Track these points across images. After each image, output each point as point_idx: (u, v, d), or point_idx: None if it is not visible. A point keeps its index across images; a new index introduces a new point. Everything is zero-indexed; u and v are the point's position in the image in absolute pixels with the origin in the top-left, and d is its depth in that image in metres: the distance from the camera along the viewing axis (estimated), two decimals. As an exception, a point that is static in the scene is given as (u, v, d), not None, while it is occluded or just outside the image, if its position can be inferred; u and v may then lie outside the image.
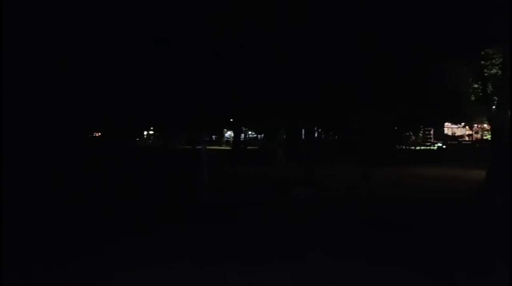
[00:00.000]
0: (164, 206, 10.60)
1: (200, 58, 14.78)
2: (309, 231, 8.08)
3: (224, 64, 15.22)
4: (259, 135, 50.65)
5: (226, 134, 60.33)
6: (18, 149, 11.89)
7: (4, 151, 11.08)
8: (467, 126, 43.26)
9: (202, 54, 14.61)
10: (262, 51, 14.82)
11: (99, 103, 16.31)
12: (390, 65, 14.15)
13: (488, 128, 24.16)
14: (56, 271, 5.73)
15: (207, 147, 12.85)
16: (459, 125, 45.07)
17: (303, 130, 31.51)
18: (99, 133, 30.53)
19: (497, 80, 13.39)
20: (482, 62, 13.45)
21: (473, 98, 14.84)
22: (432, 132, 41.22)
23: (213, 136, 57.71)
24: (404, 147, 32.65)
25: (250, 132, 56.28)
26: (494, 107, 13.55)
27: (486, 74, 13.65)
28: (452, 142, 40.22)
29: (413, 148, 34.30)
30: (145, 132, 56.74)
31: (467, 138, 44.56)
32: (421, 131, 38.72)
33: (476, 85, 14.16)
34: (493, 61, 13.54)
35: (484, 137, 36.10)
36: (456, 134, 49.06)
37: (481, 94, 13.90)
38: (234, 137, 43.15)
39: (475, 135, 43.55)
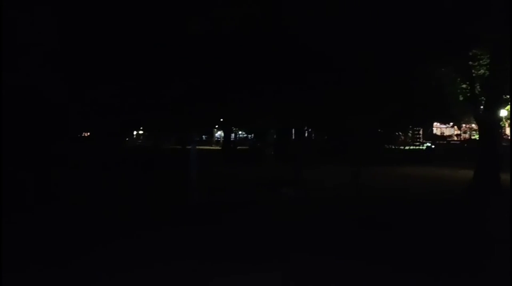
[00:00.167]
0: (153, 207, 10.51)
1: (190, 58, 14.74)
2: (298, 231, 8.04)
3: (213, 64, 15.20)
4: (250, 135, 50.68)
5: (216, 134, 60.30)
6: (11, 149, 11.85)
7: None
8: (455, 126, 43.58)
9: (192, 55, 14.57)
10: (251, 52, 14.82)
11: (88, 103, 16.22)
12: (378, 66, 14.19)
13: (476, 128, 24.36)
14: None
15: (197, 147, 12.82)
16: (447, 125, 45.37)
17: (293, 130, 31.56)
18: (88, 134, 30.32)
19: (485, 81, 13.52)
20: (470, 62, 13.56)
21: (461, 98, 14.95)
22: (421, 132, 41.42)
23: (203, 136, 57.64)
24: (393, 147, 32.80)
25: (240, 132, 56.28)
26: (482, 107, 13.67)
27: (474, 74, 13.77)
28: (441, 142, 40.44)
29: (402, 147, 34.48)
30: (135, 132, 56.49)
31: (455, 138, 44.86)
32: (410, 131, 38.90)
33: (464, 86, 14.27)
34: (481, 61, 13.66)
35: (472, 137, 36.39)
36: (445, 134, 49.38)
37: (469, 94, 14.00)
38: (224, 137, 43.14)
39: (463, 135, 43.88)
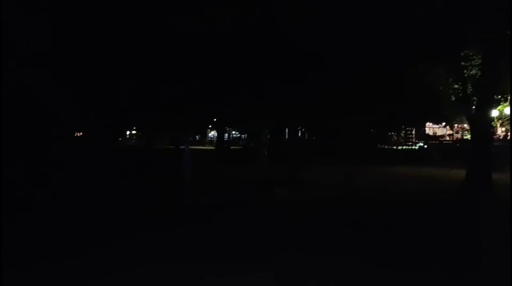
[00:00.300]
0: (146, 207, 10.47)
1: (183, 58, 14.71)
2: (291, 231, 8.08)
3: (206, 64, 15.18)
4: (243, 135, 50.65)
5: (209, 134, 60.15)
6: (10, 149, 11.83)
7: None
8: (448, 126, 43.85)
9: (185, 55, 14.54)
10: (249, 52, 14.82)
11: (80, 103, 16.13)
12: (370, 67, 14.26)
13: (468, 128, 24.54)
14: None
15: (191, 147, 12.78)
16: (440, 125, 45.66)
17: (286, 130, 31.59)
18: (80, 133, 30.10)
19: (477, 81, 13.63)
20: (462, 63, 13.67)
21: (453, 98, 15.06)
22: (413, 132, 41.63)
23: (197, 136, 57.48)
24: (386, 147, 32.96)
25: (234, 132, 56.22)
26: (474, 107, 13.77)
27: (466, 75, 13.87)
28: (434, 142, 40.67)
29: (395, 147, 34.65)
30: (128, 132, 56.22)
31: (448, 138, 45.12)
32: (403, 131, 39.09)
33: (456, 86, 14.37)
34: (473, 62, 13.78)
35: (465, 137, 36.63)
36: (437, 134, 49.67)
37: (461, 94, 14.10)
38: (217, 137, 43.06)
39: (455, 135, 44.15)
